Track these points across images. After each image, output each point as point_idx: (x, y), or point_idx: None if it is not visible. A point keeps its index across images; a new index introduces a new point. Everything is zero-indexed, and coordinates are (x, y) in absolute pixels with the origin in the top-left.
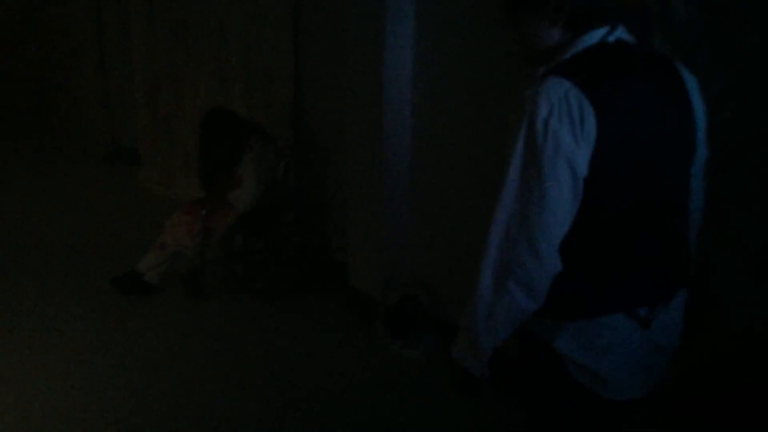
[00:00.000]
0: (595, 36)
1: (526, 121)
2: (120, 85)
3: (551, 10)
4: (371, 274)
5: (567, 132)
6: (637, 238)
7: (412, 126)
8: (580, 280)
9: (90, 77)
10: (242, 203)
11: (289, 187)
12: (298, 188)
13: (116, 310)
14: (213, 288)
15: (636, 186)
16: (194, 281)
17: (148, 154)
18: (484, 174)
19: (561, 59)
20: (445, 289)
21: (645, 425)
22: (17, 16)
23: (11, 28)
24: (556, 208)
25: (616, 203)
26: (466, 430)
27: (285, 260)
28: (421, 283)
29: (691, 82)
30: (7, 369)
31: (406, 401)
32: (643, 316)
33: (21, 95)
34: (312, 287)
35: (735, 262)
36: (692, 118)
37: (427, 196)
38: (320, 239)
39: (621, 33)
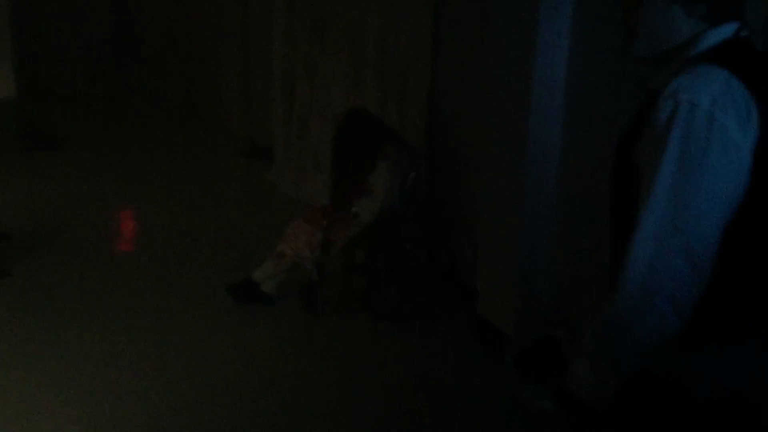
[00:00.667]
0: (729, 29)
1: (683, 114)
2: (260, 82)
3: None
4: (503, 304)
5: (735, 127)
6: None
7: (562, 135)
8: (722, 300)
9: (233, 73)
10: (369, 214)
11: (417, 199)
12: (427, 201)
13: (228, 317)
14: (329, 304)
15: None
16: (310, 295)
17: (281, 153)
18: None
19: (693, 52)
20: None
21: None
22: (171, 13)
23: (165, 24)
24: (717, 214)
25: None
26: None
27: (407, 279)
28: (563, 320)
29: None
30: (108, 367)
31: None
32: None
33: (171, 87)
34: (435, 311)
35: None
36: None
37: (576, 218)
38: (448, 259)
39: (747, 29)
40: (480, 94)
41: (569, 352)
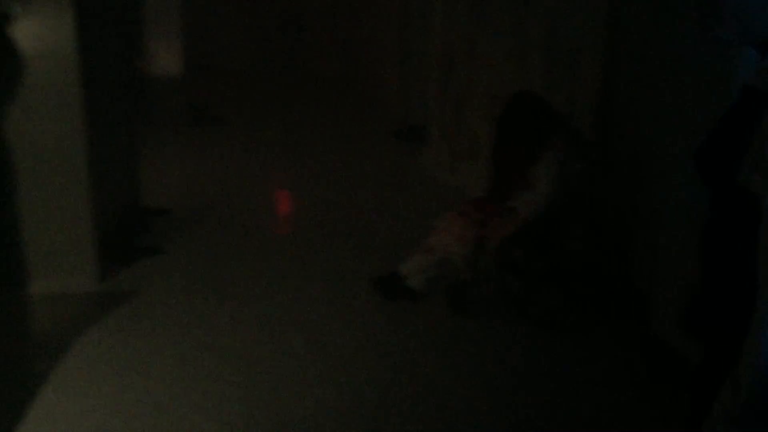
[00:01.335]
0: None
1: None
2: (418, 61)
3: None
4: (683, 325)
5: None
6: None
7: None
8: None
9: (391, 51)
10: (530, 209)
11: (584, 194)
12: (596, 197)
13: (370, 312)
14: (480, 305)
15: None
16: (460, 294)
17: (436, 136)
18: None
19: None
20: None
21: None
22: None
23: (326, 3)
24: None
25: None
26: None
27: (569, 284)
28: None
29: None
30: (241, 360)
31: None
32: None
33: (331, 65)
34: (600, 322)
35: None
36: None
37: None
38: (617, 263)
39: None
40: (664, 80)
41: None
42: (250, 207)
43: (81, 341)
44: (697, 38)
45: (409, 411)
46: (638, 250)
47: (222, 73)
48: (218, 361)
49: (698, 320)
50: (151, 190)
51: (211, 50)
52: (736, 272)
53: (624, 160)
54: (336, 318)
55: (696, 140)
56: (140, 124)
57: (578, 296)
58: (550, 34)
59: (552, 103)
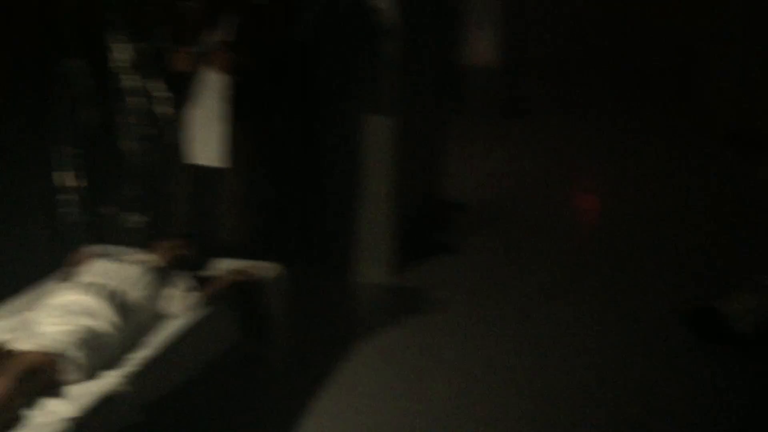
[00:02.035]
0: None
1: None
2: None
3: None
4: None
5: None
6: None
7: None
8: None
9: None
10: None
11: None
12: None
13: (680, 351)
14: None
15: None
16: None
17: None
18: None
19: None
20: None
21: None
22: None
23: None
24: None
25: None
26: None
27: None
28: None
29: None
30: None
31: None
32: None
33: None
34: None
35: None
36: None
37: None
38: None
39: None
40: None
41: None
42: (551, 208)
43: (370, 332)
44: None
45: None
46: None
47: (538, 64)
48: (494, 372)
49: None
50: (452, 183)
51: (532, 39)
52: None
53: None
54: (636, 351)
55: None
56: (451, 114)
57: None
58: None
59: None
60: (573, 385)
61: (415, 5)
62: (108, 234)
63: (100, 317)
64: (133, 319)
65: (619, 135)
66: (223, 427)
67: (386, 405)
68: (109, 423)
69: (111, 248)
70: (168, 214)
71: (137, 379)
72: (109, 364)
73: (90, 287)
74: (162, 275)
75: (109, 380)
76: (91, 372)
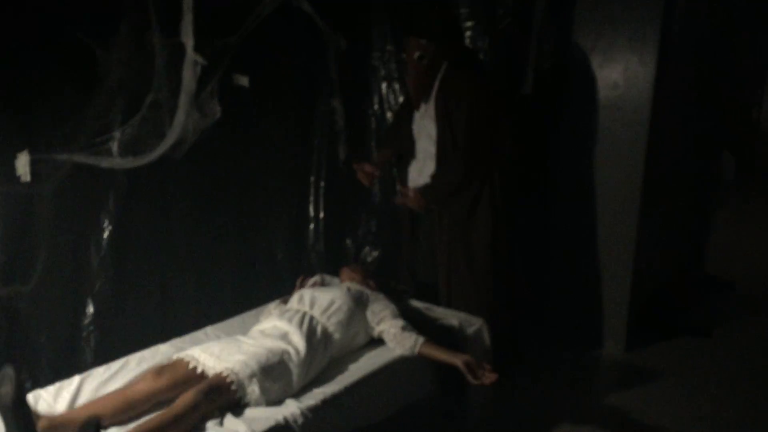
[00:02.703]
0: None
1: None
2: None
3: None
4: None
5: None
6: None
7: None
8: None
9: None
10: None
11: None
12: None
13: None
14: None
15: None
16: None
17: None
18: None
19: None
20: None
21: None
22: None
23: None
24: None
25: None
26: None
27: None
28: None
29: None
30: None
31: None
32: None
33: None
34: None
35: None
36: None
37: None
38: None
39: None
40: None
41: None
42: None
43: (592, 405)
44: None
45: None
46: None
47: None
48: None
49: None
50: (721, 258)
51: None
52: None
53: None
54: None
55: None
56: (718, 181)
57: None
58: None
59: None
60: None
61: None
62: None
63: (292, 345)
64: (327, 350)
65: None
66: None
67: None
68: None
69: (328, 278)
70: (396, 253)
71: (316, 412)
72: (294, 390)
73: (293, 314)
74: (373, 309)
75: (288, 409)
76: (272, 396)
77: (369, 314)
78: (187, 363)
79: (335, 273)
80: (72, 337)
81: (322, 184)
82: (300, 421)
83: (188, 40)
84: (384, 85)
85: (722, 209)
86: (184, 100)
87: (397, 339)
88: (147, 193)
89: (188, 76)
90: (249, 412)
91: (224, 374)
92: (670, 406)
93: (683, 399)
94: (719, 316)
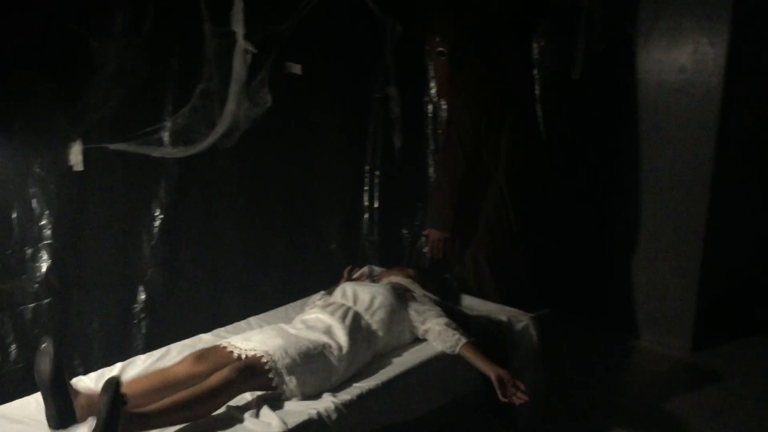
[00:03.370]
0: None
1: None
2: None
3: None
4: None
5: None
6: None
7: None
8: None
9: None
10: None
11: None
12: None
13: None
14: None
15: None
16: None
17: None
18: None
19: None
20: None
21: None
22: None
23: None
24: None
25: None
26: None
27: None
28: None
29: None
30: None
31: None
32: None
33: None
34: None
35: None
36: None
37: None
38: None
39: None
40: None
41: None
42: None
43: (656, 405)
44: None
45: None
46: None
47: None
48: None
49: None
50: None
51: None
52: None
53: None
54: None
55: None
56: None
57: None
58: None
59: None
60: None
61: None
62: (398, 255)
63: (335, 339)
64: (371, 347)
65: None
66: None
67: None
68: None
69: (377, 269)
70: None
71: (352, 407)
72: (332, 385)
73: (336, 308)
74: (416, 308)
75: (323, 403)
76: (308, 389)
77: (412, 313)
78: (227, 349)
79: (389, 264)
80: (123, 324)
81: (377, 173)
82: (334, 416)
83: (239, 29)
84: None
85: None
86: (234, 89)
87: (441, 337)
88: (198, 181)
89: (239, 65)
90: (285, 405)
91: (263, 358)
92: (738, 411)
93: (753, 403)
94: None
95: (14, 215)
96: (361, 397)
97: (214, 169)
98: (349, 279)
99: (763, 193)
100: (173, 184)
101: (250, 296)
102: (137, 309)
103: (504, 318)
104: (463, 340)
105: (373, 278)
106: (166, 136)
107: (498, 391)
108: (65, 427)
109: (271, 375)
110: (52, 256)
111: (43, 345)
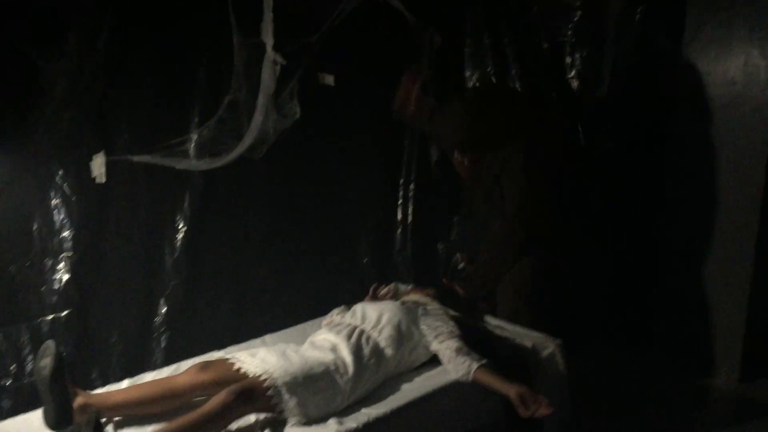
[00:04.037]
0: None
1: None
2: None
3: None
4: None
5: None
6: None
7: None
8: None
9: None
10: None
11: None
12: None
13: None
14: None
15: None
16: None
17: None
18: None
19: None
20: None
21: None
22: None
23: None
24: None
25: None
26: None
27: None
28: None
29: None
30: None
31: None
32: None
33: None
34: None
35: None
36: None
37: None
38: None
39: None
40: None
41: None
42: None
43: None
44: None
45: None
46: None
47: None
48: None
49: None
50: None
51: None
52: None
53: None
54: None
55: None
56: None
57: None
58: None
59: None
60: None
61: None
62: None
63: (340, 358)
64: (380, 367)
65: None
66: None
67: None
68: None
69: (402, 287)
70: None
71: None
72: (337, 407)
73: (342, 328)
74: (428, 324)
75: (329, 430)
76: (311, 410)
77: (425, 328)
78: (231, 362)
79: (423, 280)
80: (143, 337)
81: (412, 186)
82: None
83: (268, 40)
84: (478, 81)
85: None
86: (262, 100)
87: (451, 364)
88: (224, 194)
89: (267, 76)
90: (286, 428)
91: (262, 377)
92: None
93: None
94: None
95: (35, 226)
96: (368, 426)
97: (240, 181)
98: (374, 297)
99: None
100: (198, 197)
101: (276, 313)
102: (157, 322)
103: (529, 343)
104: (475, 366)
105: (397, 297)
106: (191, 148)
107: (519, 409)
108: (62, 427)
109: (270, 393)
110: (72, 268)
111: (45, 344)
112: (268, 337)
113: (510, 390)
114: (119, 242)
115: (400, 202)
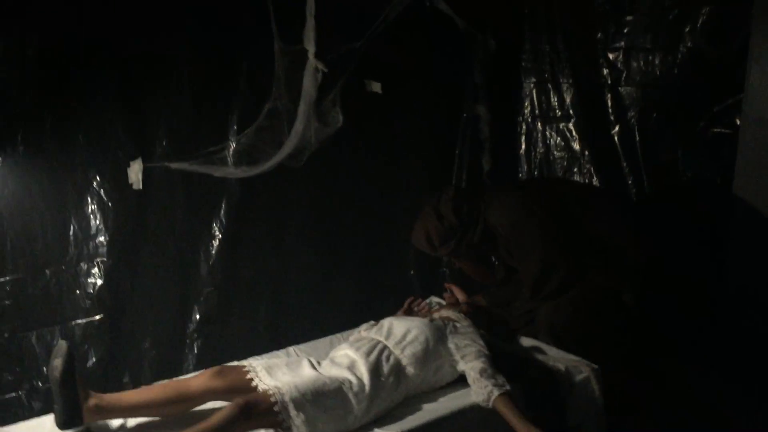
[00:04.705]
0: None
1: None
2: None
3: None
4: None
5: None
6: None
7: None
8: None
9: None
10: None
11: None
12: None
13: None
14: None
15: None
16: None
17: None
18: None
19: None
20: None
21: None
22: None
23: None
24: None
25: None
26: None
27: None
28: None
29: None
30: None
31: None
32: None
33: None
34: None
35: None
36: None
37: None
38: None
39: None
40: None
41: None
42: None
43: None
44: None
45: None
46: None
47: None
48: None
49: None
50: None
51: None
52: None
53: None
54: None
55: None
56: None
57: None
58: None
59: None
60: None
61: None
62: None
63: (356, 375)
64: (400, 385)
65: None
66: None
67: None
68: None
69: (436, 300)
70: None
71: None
72: (349, 426)
73: (364, 343)
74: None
75: None
76: (320, 428)
77: (452, 347)
78: (246, 371)
79: (470, 291)
80: (175, 343)
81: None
82: None
83: (310, 47)
84: (535, 89)
85: None
86: (303, 108)
87: (474, 386)
88: (261, 202)
89: (309, 84)
90: None
91: (270, 392)
92: None
93: None
94: None
95: (72, 231)
96: None
97: (278, 189)
98: (409, 311)
99: None
100: (234, 205)
101: (317, 321)
102: (191, 329)
103: (562, 367)
104: (496, 393)
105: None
106: (229, 155)
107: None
108: (70, 426)
109: (276, 408)
110: (106, 273)
111: (59, 344)
112: (292, 349)
113: (523, 430)
114: (154, 248)
115: None
